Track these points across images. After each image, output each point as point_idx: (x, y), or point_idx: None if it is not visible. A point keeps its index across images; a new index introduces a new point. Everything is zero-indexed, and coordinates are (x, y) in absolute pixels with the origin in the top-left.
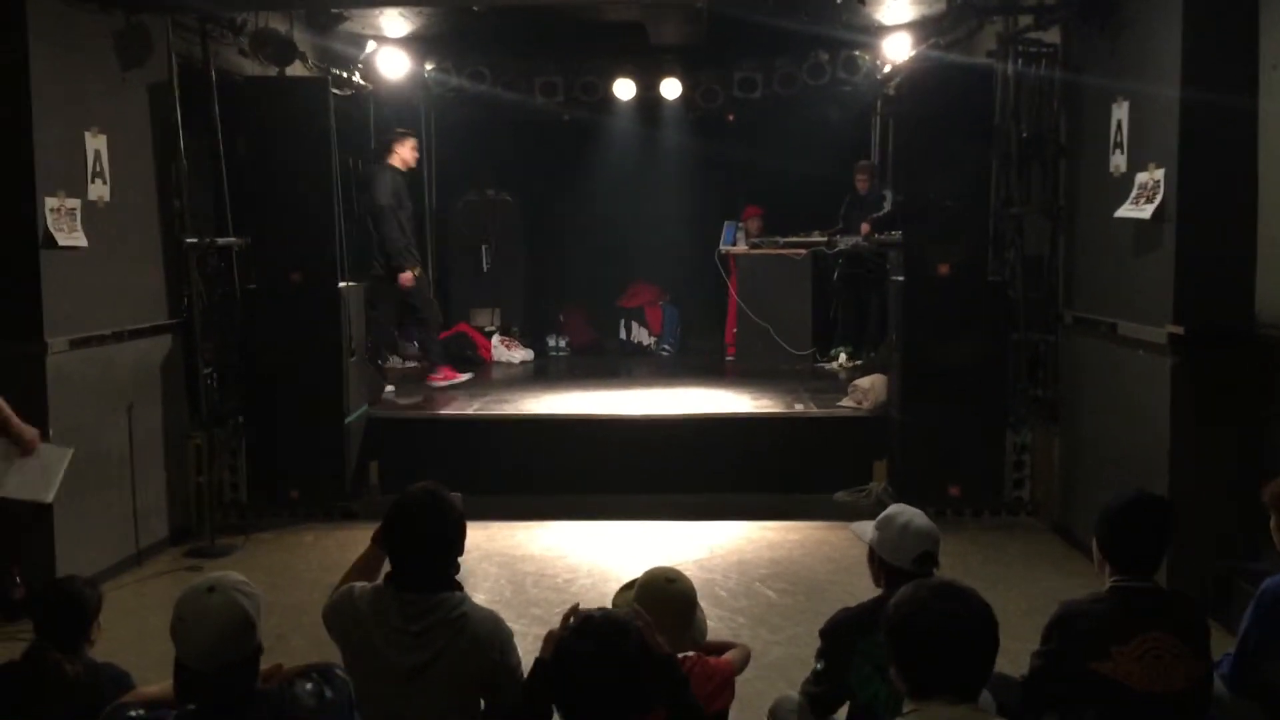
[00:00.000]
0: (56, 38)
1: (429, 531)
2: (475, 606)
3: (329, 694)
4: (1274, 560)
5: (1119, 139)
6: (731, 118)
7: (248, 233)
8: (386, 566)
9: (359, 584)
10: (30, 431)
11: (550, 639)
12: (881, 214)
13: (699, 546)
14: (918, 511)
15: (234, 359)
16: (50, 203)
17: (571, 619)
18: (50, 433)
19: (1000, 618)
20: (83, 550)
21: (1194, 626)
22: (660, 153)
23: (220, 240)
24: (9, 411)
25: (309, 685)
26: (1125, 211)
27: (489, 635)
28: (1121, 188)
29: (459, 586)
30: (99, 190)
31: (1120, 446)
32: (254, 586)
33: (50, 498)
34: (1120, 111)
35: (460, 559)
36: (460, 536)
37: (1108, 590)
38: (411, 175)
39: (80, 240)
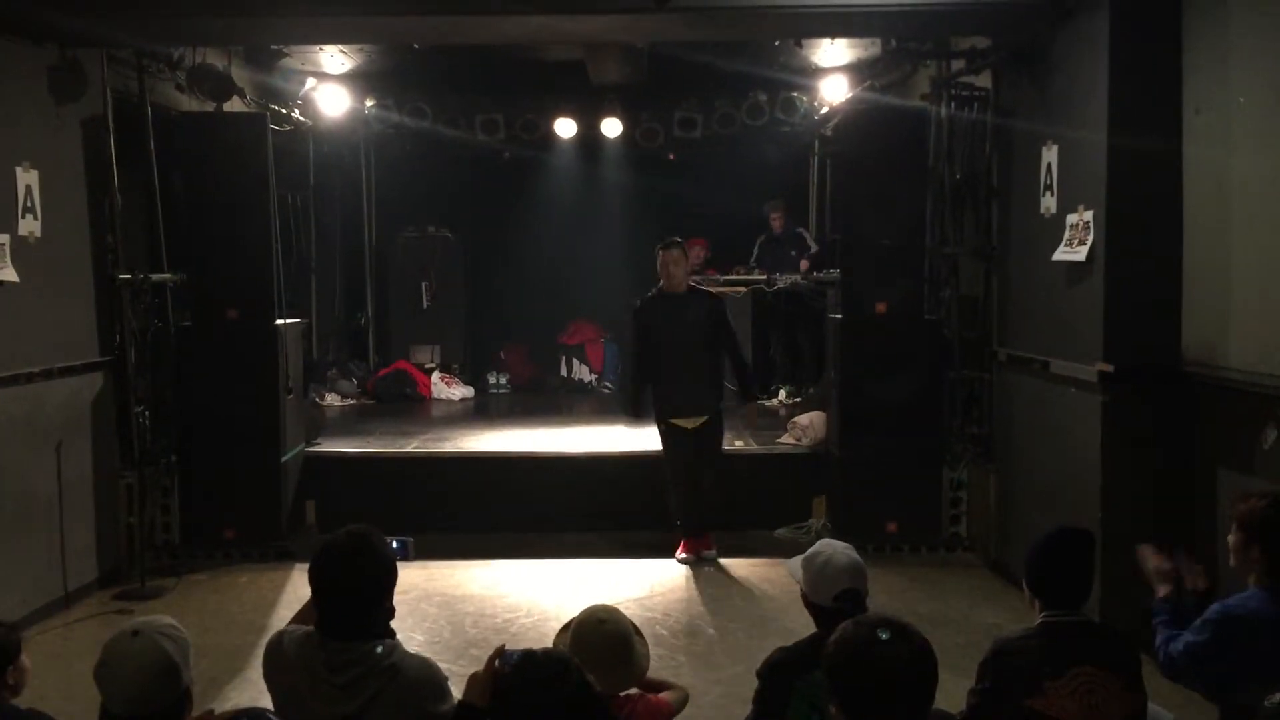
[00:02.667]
0: None
1: (354, 578)
2: (407, 655)
3: None
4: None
5: (1049, 181)
6: (672, 157)
7: (183, 269)
8: None
9: (290, 629)
10: None
11: (474, 681)
12: (813, 251)
13: (640, 584)
14: (842, 548)
15: (168, 397)
16: None
17: (498, 660)
18: None
19: (938, 653)
20: (8, 593)
21: (1126, 659)
22: (601, 191)
23: (155, 276)
24: None
25: None
26: (1061, 254)
27: (421, 684)
28: (1052, 229)
29: (391, 633)
30: (30, 225)
31: (1053, 482)
32: (182, 630)
33: None
34: (1050, 154)
35: (392, 604)
36: (390, 582)
37: (1038, 625)
38: (351, 211)
39: (11, 275)
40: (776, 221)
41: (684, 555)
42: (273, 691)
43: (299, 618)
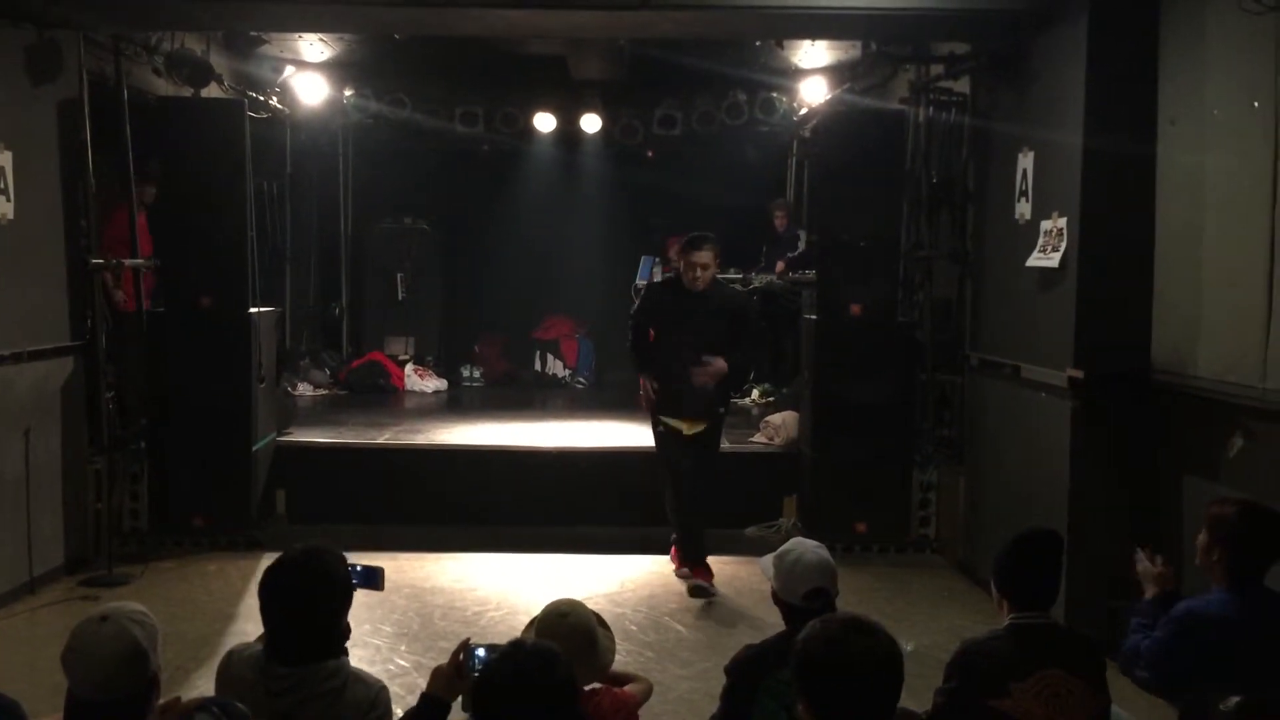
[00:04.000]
0: None
1: (300, 603)
2: (354, 676)
3: (237, 717)
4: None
5: (1024, 187)
6: (651, 154)
7: (157, 254)
8: None
9: (236, 647)
10: None
11: (438, 674)
12: (797, 253)
13: (610, 580)
14: (812, 547)
15: (137, 383)
16: None
17: (463, 654)
18: None
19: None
20: None
21: (1091, 663)
22: (579, 186)
23: (128, 261)
24: None
25: (206, 714)
26: (1035, 260)
27: (364, 709)
28: (1026, 235)
29: (342, 652)
30: (2, 207)
31: (1022, 486)
32: (150, 617)
33: None
34: (1026, 160)
35: (346, 625)
36: (342, 605)
37: (1005, 627)
38: (328, 201)
39: None
40: (780, 221)
41: (682, 571)
42: None
43: None
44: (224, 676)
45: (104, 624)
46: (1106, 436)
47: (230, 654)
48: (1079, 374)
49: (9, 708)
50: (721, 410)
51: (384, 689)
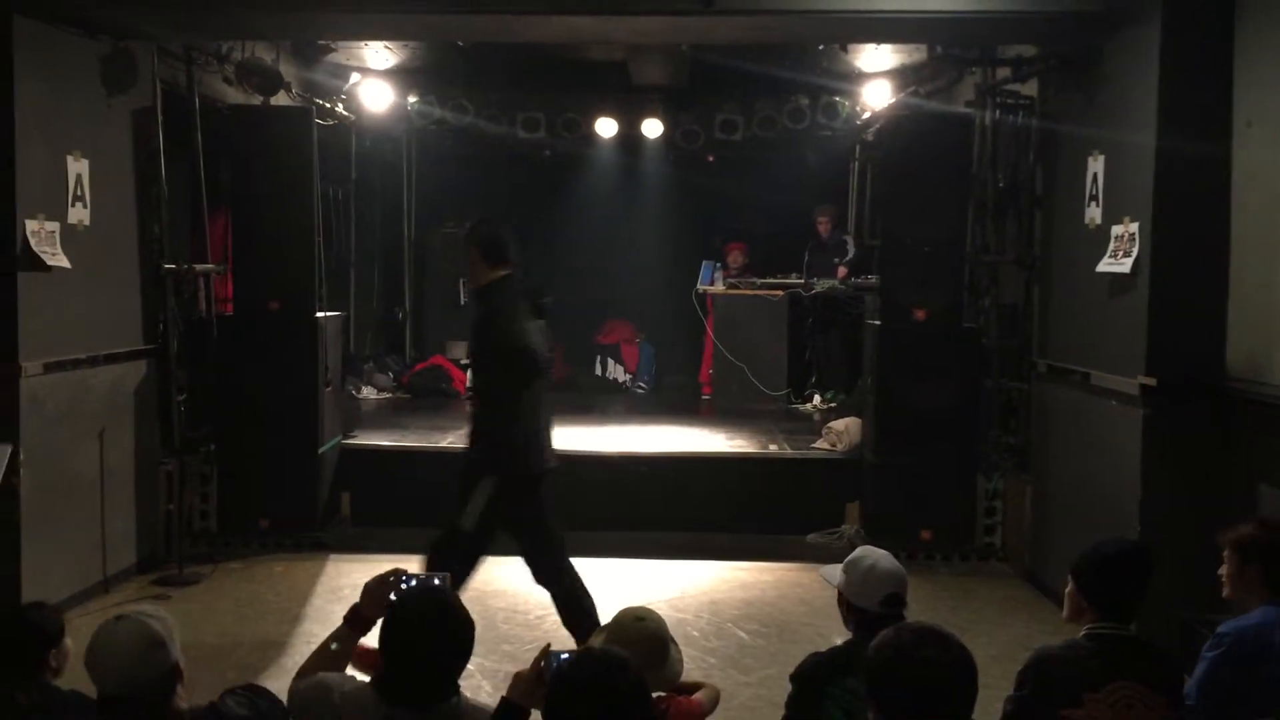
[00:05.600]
0: (42, 61)
1: (433, 647)
2: (472, 713)
3: (263, 705)
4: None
5: (1094, 191)
6: (712, 158)
7: (227, 260)
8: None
9: (334, 678)
10: None
11: (519, 680)
12: (849, 258)
13: (671, 586)
14: (884, 553)
15: (208, 386)
16: (30, 225)
17: (544, 661)
18: (21, 456)
19: None
20: (49, 576)
21: (1167, 677)
22: (640, 191)
23: (199, 267)
24: None
25: (235, 699)
26: (1106, 266)
27: None
28: (1096, 240)
29: (456, 690)
30: (79, 214)
31: (1091, 495)
32: (164, 613)
33: None
34: (1096, 164)
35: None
36: (468, 647)
37: (1083, 636)
38: (392, 206)
39: (63, 261)
40: (824, 226)
41: None
42: None
43: (326, 657)
44: (313, 708)
45: (120, 622)
46: (1179, 445)
47: (328, 688)
48: (1151, 381)
49: (85, 707)
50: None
51: None
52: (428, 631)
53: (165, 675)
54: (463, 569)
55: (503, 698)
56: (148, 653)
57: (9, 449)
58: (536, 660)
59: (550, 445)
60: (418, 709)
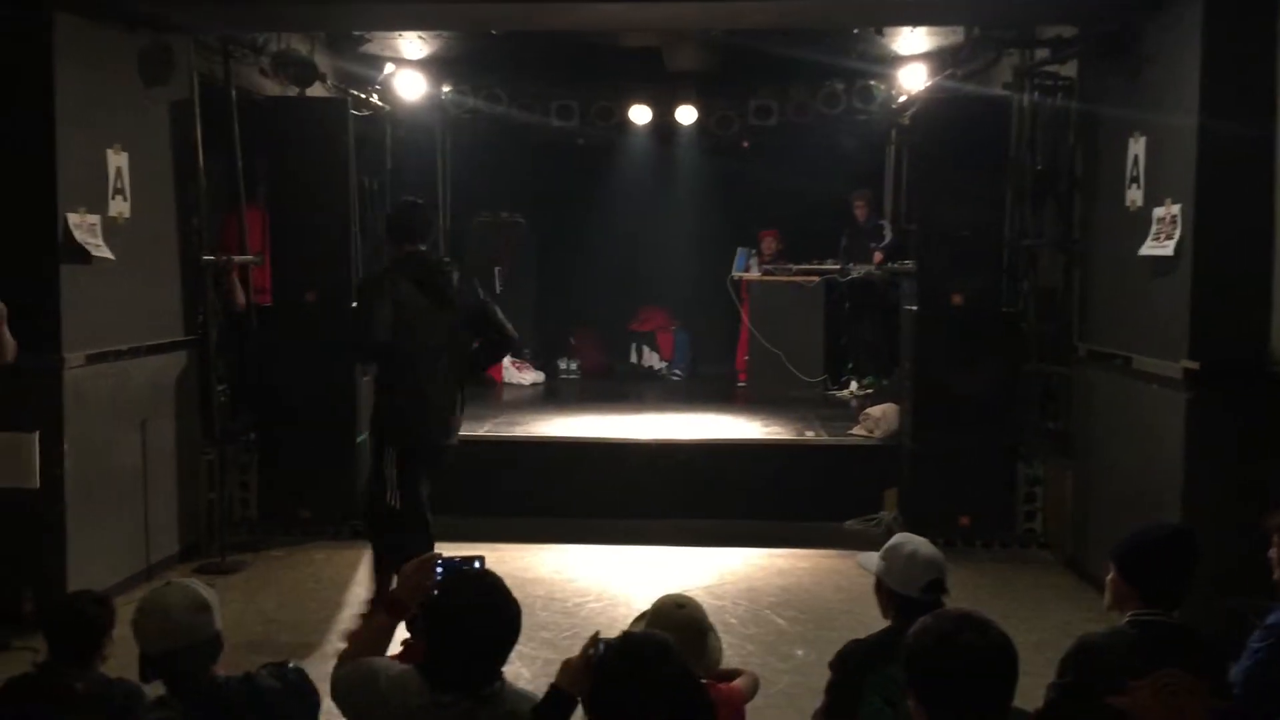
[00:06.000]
0: (81, 55)
1: (480, 632)
2: (518, 701)
3: (291, 677)
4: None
5: (1135, 173)
6: (746, 144)
7: (264, 251)
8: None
9: (380, 662)
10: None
11: (567, 667)
12: (886, 243)
13: (709, 572)
14: (923, 540)
15: (247, 376)
16: (72, 219)
17: (592, 649)
18: (65, 446)
19: None
20: (94, 565)
21: (1212, 666)
22: (674, 178)
23: (237, 258)
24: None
25: (266, 669)
26: (1149, 249)
27: None
28: (1137, 222)
29: (500, 675)
30: (119, 207)
31: (1133, 481)
32: (209, 587)
33: (36, 482)
34: (1137, 146)
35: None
36: (515, 632)
37: (1127, 623)
38: (427, 196)
39: (106, 253)
40: (860, 210)
41: None
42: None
43: (365, 644)
44: (364, 695)
45: (169, 586)
46: (1223, 429)
47: (375, 672)
48: (1194, 365)
49: (131, 693)
50: None
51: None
52: (475, 616)
53: (208, 641)
54: (419, 540)
55: (551, 685)
56: (194, 616)
57: (34, 438)
58: (585, 647)
59: (434, 422)
60: (463, 694)
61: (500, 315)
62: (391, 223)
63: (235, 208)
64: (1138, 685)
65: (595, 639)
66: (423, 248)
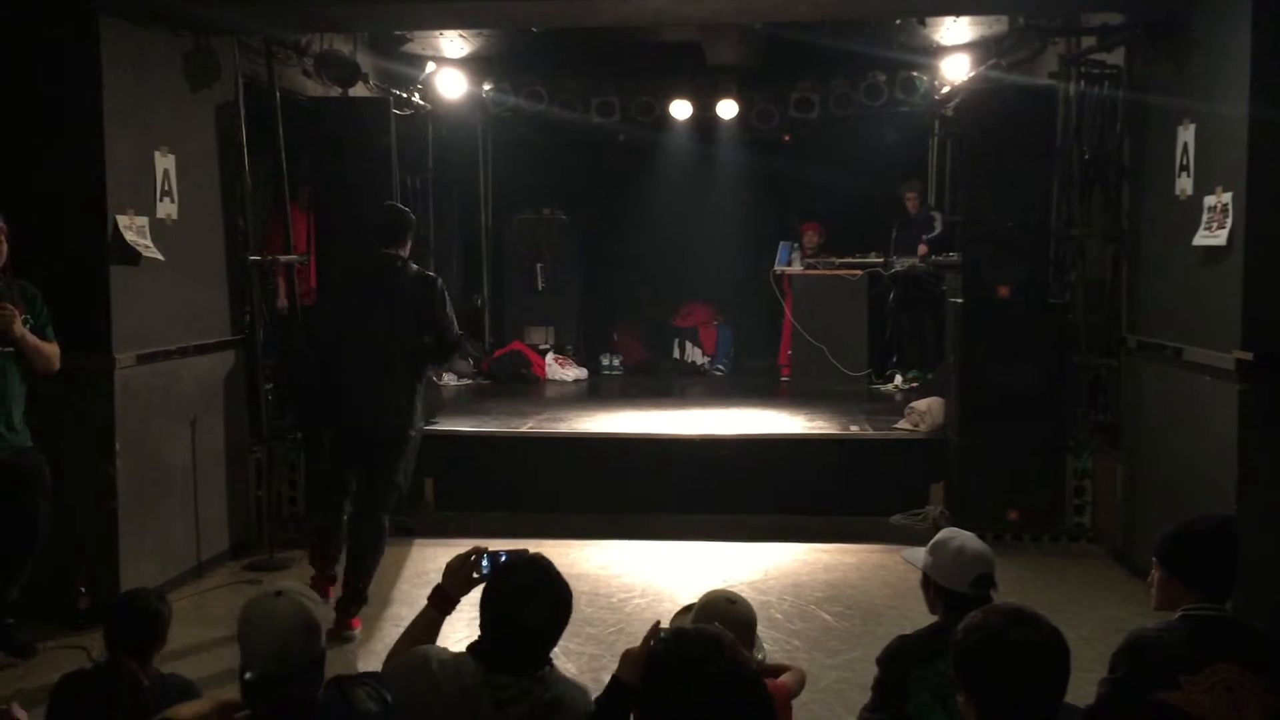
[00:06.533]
0: (128, 59)
1: (543, 616)
2: (565, 682)
3: (389, 698)
4: None
5: (1185, 161)
6: (788, 138)
7: (309, 251)
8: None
9: (432, 648)
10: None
11: (628, 658)
12: (934, 235)
13: (753, 568)
14: (970, 534)
15: (293, 375)
16: (121, 221)
17: (654, 639)
18: (117, 445)
19: None
20: (145, 561)
21: (1267, 659)
22: (715, 173)
23: (283, 258)
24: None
25: (365, 690)
26: (1201, 239)
27: (581, 712)
28: (1188, 211)
29: (549, 660)
30: (167, 208)
31: (1185, 473)
32: (317, 595)
33: None
34: (1186, 134)
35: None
36: (566, 615)
37: (1179, 618)
38: (469, 194)
39: (156, 254)
40: (911, 203)
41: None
42: (409, 711)
43: (412, 639)
44: (416, 678)
45: (279, 598)
46: (1276, 421)
47: (427, 657)
48: (1247, 356)
49: (184, 687)
50: None
51: (588, 693)
52: (529, 599)
53: (315, 662)
54: (321, 526)
55: (614, 676)
56: (305, 633)
57: None
58: (646, 637)
59: (362, 415)
60: (515, 676)
61: (446, 319)
62: (373, 227)
63: (280, 208)
64: (1192, 681)
65: (656, 628)
66: (395, 251)
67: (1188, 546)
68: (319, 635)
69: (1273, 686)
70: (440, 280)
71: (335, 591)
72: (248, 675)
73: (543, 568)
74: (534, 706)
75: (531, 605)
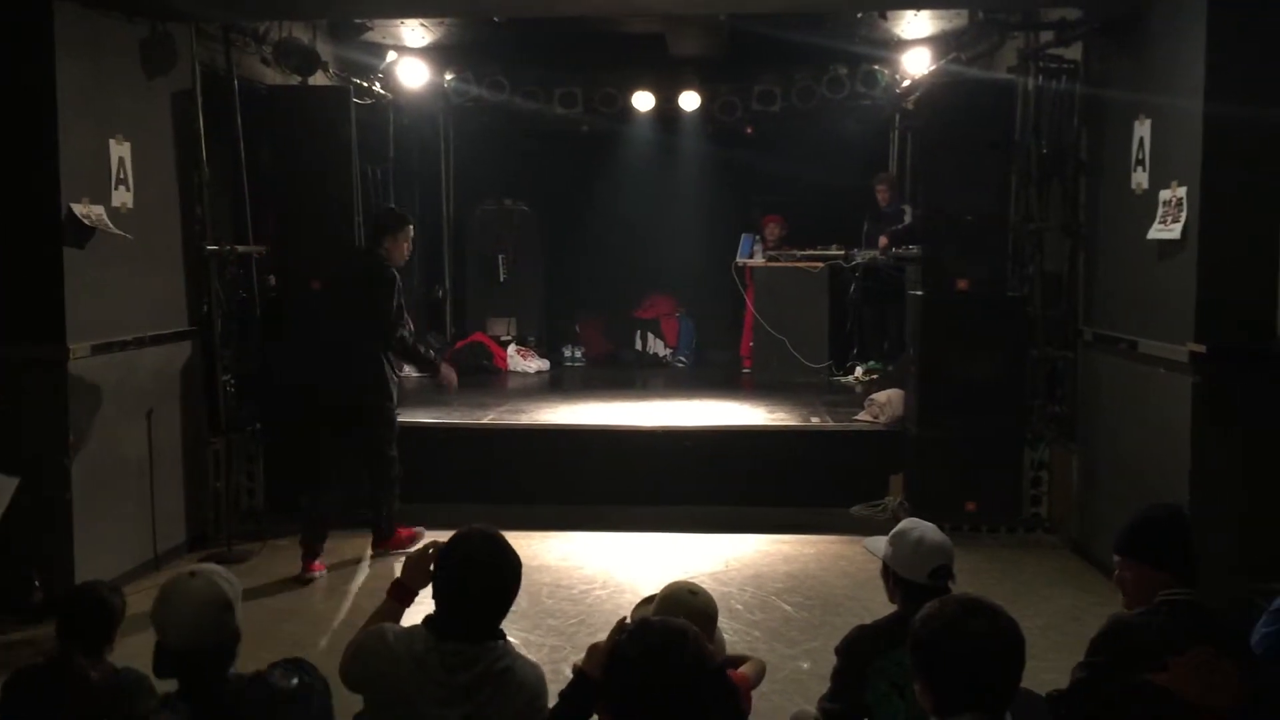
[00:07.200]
0: (83, 45)
1: (489, 580)
2: (519, 658)
3: (306, 678)
4: None
5: (1141, 156)
6: (750, 130)
7: (268, 240)
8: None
9: (388, 625)
10: None
11: (594, 651)
12: (899, 228)
13: (715, 559)
14: (930, 525)
15: (253, 366)
16: (76, 209)
17: (620, 634)
18: (71, 436)
19: None
20: (101, 555)
21: (1240, 644)
22: (678, 164)
23: (240, 248)
24: None
25: (280, 669)
26: (1156, 233)
27: (533, 689)
28: (1143, 205)
29: (503, 634)
30: (122, 197)
31: (1139, 464)
32: (233, 576)
33: None
34: (1142, 128)
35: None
36: (518, 585)
37: (1157, 603)
38: (430, 184)
39: (113, 229)
40: (882, 195)
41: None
42: (367, 686)
43: (379, 618)
44: (374, 651)
45: (193, 578)
46: (1229, 413)
47: (383, 630)
48: (1200, 348)
49: (138, 682)
50: None
51: (543, 672)
52: (478, 567)
53: (230, 637)
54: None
55: (577, 668)
56: (218, 612)
57: (14, 483)
58: (612, 633)
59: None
60: (464, 643)
61: (389, 317)
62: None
63: (239, 197)
64: (1178, 662)
65: (623, 623)
66: (382, 247)
67: (1149, 533)
68: (231, 613)
69: (1243, 671)
70: (390, 277)
71: (322, 567)
72: (161, 653)
73: (491, 537)
74: (483, 675)
75: (478, 572)
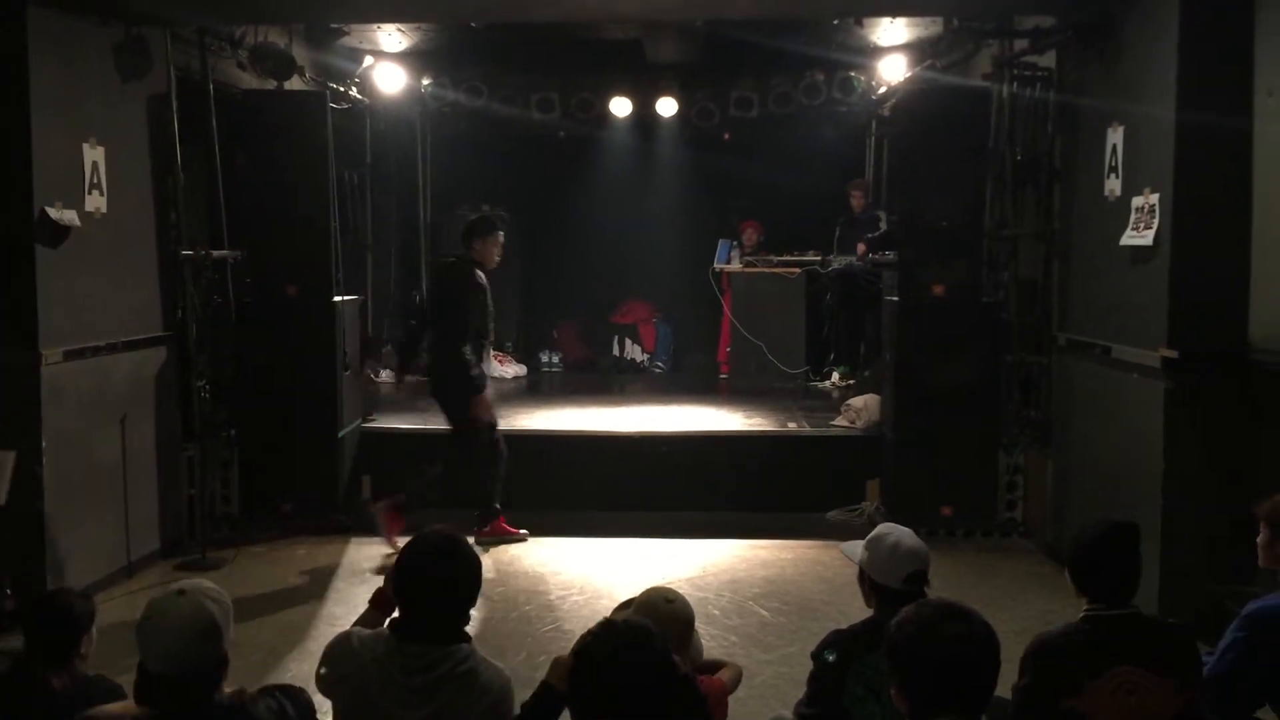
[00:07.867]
0: (56, 49)
1: (444, 578)
2: (482, 660)
3: (290, 711)
4: (1266, 584)
5: (1114, 163)
6: (727, 136)
7: (243, 245)
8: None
9: (357, 629)
10: None
11: (558, 664)
12: (877, 234)
13: (692, 564)
14: (907, 530)
15: (227, 371)
16: (50, 213)
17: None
18: (44, 443)
19: None
20: (74, 561)
21: (1174, 657)
22: (655, 170)
23: (216, 253)
24: None
25: (269, 702)
26: (1129, 239)
27: (497, 693)
28: (1116, 212)
29: (467, 637)
30: (96, 201)
31: (1113, 469)
32: (225, 596)
33: (3, 500)
34: (1115, 136)
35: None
36: (476, 586)
37: (1080, 620)
38: (407, 190)
39: (76, 220)
40: (857, 201)
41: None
42: (336, 690)
43: (360, 625)
44: (340, 654)
45: (181, 597)
46: (1202, 417)
47: (349, 634)
48: (1173, 354)
49: (111, 691)
50: None
51: (508, 676)
52: (437, 567)
53: (216, 662)
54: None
55: (543, 682)
56: (204, 637)
57: (11, 456)
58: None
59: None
60: (425, 645)
61: (464, 308)
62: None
63: (214, 202)
64: (1093, 685)
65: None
66: (468, 251)
67: (1081, 554)
68: (220, 637)
69: (1181, 684)
70: (472, 276)
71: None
72: (143, 674)
73: (448, 536)
74: (444, 677)
75: (435, 572)
